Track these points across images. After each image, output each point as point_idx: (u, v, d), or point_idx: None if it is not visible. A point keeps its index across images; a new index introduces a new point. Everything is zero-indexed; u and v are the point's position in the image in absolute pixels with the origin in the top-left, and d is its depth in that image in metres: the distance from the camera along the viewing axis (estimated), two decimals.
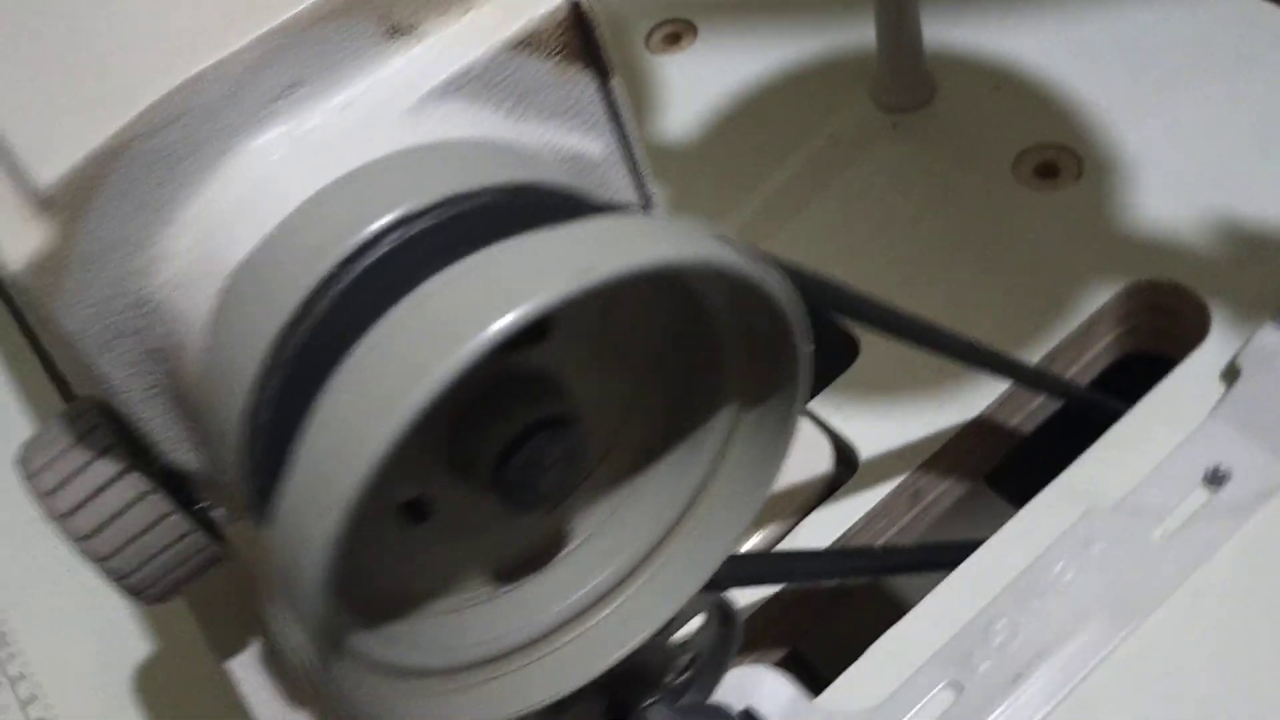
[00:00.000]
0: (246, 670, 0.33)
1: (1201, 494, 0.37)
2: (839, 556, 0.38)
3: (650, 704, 0.31)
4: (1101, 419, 0.41)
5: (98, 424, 0.25)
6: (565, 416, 0.21)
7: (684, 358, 0.23)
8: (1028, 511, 0.38)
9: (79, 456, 0.25)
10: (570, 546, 0.24)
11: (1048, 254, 0.45)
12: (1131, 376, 0.44)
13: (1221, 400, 0.38)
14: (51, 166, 0.19)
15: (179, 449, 0.24)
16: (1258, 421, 0.38)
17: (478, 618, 0.24)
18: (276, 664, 0.33)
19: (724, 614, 0.33)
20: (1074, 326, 0.43)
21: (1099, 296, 0.43)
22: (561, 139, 0.23)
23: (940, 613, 0.37)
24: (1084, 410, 0.42)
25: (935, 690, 0.35)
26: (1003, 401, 0.42)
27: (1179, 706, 0.34)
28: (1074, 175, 0.46)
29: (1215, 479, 0.37)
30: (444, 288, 0.17)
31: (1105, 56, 0.48)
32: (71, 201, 0.20)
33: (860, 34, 0.51)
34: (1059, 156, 0.46)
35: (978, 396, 0.42)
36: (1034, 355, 0.43)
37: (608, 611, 0.24)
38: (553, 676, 0.24)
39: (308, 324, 0.19)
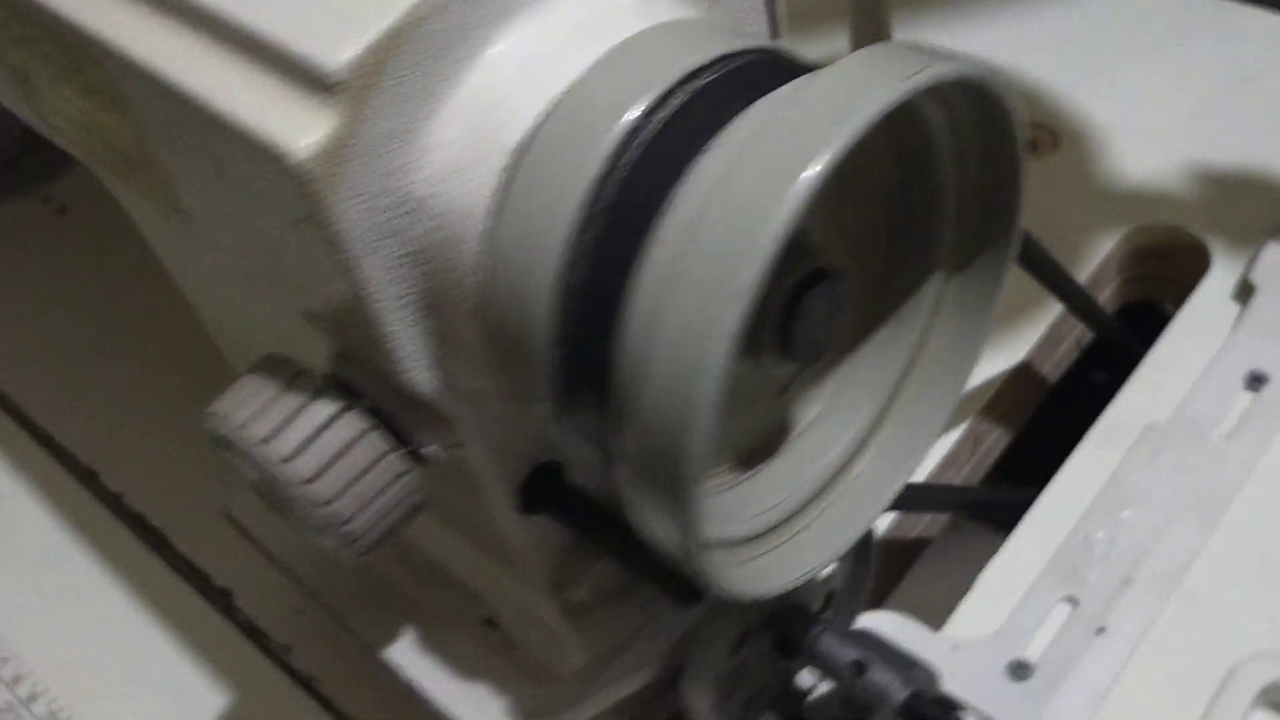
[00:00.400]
0: (407, 656, 0.32)
1: (1245, 397, 0.40)
2: (949, 490, 0.40)
3: (818, 634, 0.31)
4: (1127, 358, 0.44)
5: (300, 371, 0.25)
6: (830, 269, 0.22)
7: (902, 218, 0.24)
8: (1091, 438, 0.40)
9: (292, 401, 0.24)
10: (797, 431, 0.25)
11: (1045, 216, 0.48)
12: (1136, 326, 0.47)
13: (1242, 314, 0.42)
14: (340, 51, 0.20)
15: (416, 367, 0.23)
16: None
17: (724, 503, 0.24)
18: (435, 643, 0.32)
19: (860, 548, 0.34)
20: (1082, 278, 0.46)
21: (1102, 247, 0.46)
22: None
23: (1035, 538, 0.38)
24: (1108, 351, 0.45)
25: (1053, 605, 0.37)
26: (1039, 347, 0.45)
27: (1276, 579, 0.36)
28: (1051, 146, 0.49)
29: (1256, 382, 0.40)
30: (785, 109, 0.18)
31: (1062, 44, 0.53)
32: (358, 86, 0.20)
33: (832, 45, 0.54)
34: (1034, 134, 0.50)
35: (1019, 342, 0.44)
36: (1048, 313, 0.46)
37: (848, 480, 0.25)
38: (797, 558, 0.24)
39: (618, 175, 0.20)
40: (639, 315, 0.19)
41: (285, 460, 0.24)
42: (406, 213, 0.21)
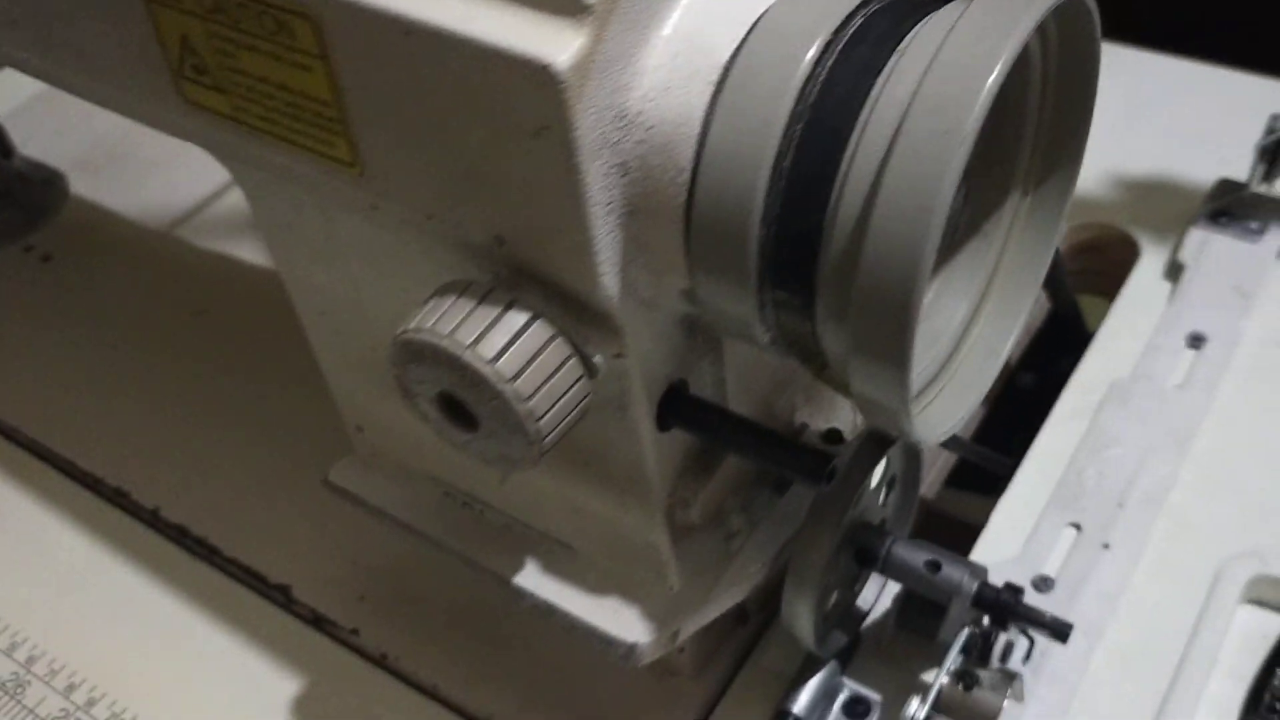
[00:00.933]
0: (538, 582, 0.34)
1: (1189, 354, 0.47)
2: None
3: (891, 543, 0.36)
4: (1076, 338, 0.50)
5: (489, 289, 0.28)
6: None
7: (995, 140, 0.29)
8: (1067, 395, 0.46)
9: (489, 311, 0.28)
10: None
11: None
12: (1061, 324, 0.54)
13: (1175, 289, 0.49)
14: None
15: (608, 272, 0.27)
16: (1209, 294, 0.48)
17: None
18: (558, 570, 0.34)
19: (911, 472, 0.38)
20: None
21: None
22: None
23: (1035, 477, 0.44)
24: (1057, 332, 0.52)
25: (1061, 530, 0.42)
26: None
27: (1251, 490, 0.42)
28: None
29: (1196, 341, 0.47)
30: (967, 14, 0.23)
31: None
32: (602, 11, 0.24)
33: None
34: None
35: None
36: None
37: (969, 344, 0.29)
38: (953, 406, 0.29)
39: (818, 78, 0.24)
40: (856, 182, 0.23)
41: (490, 360, 0.27)
42: (621, 126, 0.25)
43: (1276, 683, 0.38)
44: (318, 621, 0.43)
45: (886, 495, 0.38)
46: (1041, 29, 0.27)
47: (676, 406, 0.31)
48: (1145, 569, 0.41)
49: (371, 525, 0.45)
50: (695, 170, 0.25)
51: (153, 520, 0.47)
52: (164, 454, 0.49)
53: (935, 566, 0.35)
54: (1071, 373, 0.47)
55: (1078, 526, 0.42)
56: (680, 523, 0.34)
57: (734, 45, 0.25)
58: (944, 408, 0.28)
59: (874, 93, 0.24)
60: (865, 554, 0.36)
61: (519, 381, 0.27)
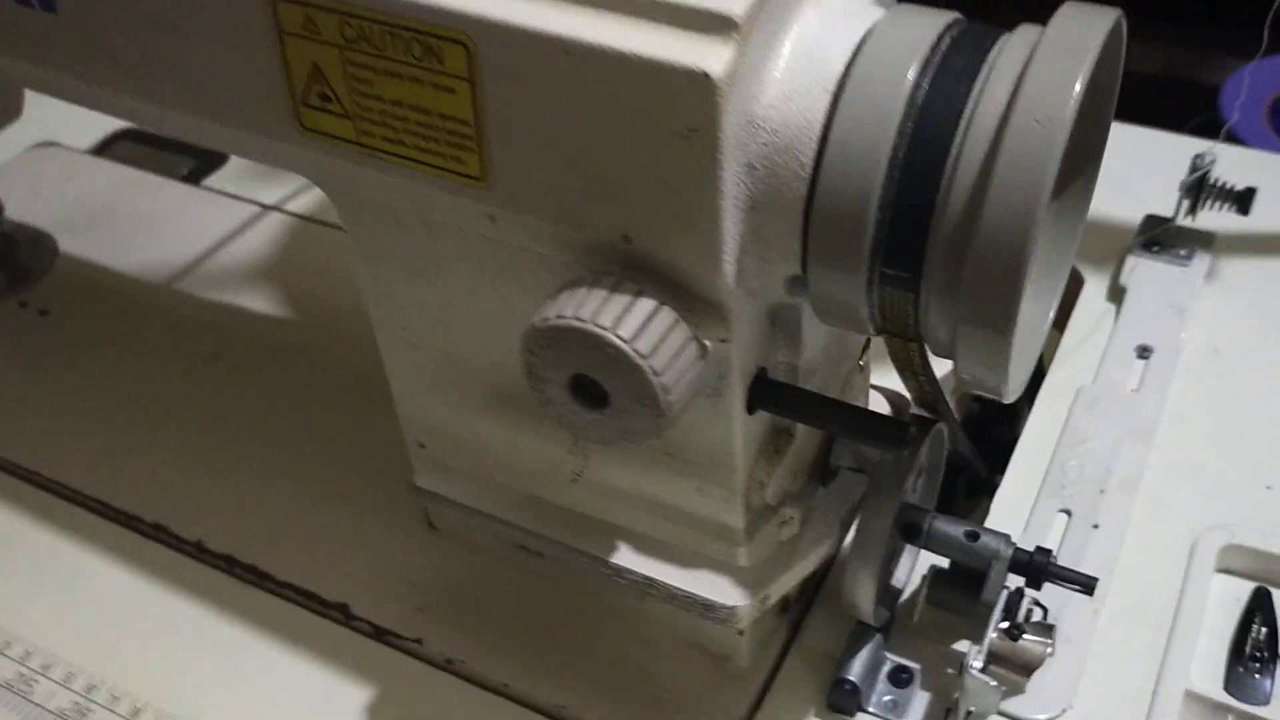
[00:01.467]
0: (633, 560, 0.37)
1: (1139, 363, 0.53)
2: None
3: (932, 519, 0.40)
4: None
5: (619, 280, 0.32)
6: None
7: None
8: (1041, 400, 0.52)
9: (622, 299, 0.31)
10: None
11: None
12: None
13: (1120, 309, 0.55)
14: (738, 3, 0.28)
15: (728, 259, 0.31)
16: (1150, 312, 0.55)
17: None
18: (646, 548, 0.37)
19: (936, 459, 0.43)
20: None
21: None
22: None
23: (1023, 472, 0.49)
24: None
25: (1054, 516, 0.47)
26: None
27: (1210, 472, 0.48)
28: None
29: (1144, 352, 0.53)
30: (1048, 38, 0.28)
31: None
32: (746, 28, 0.28)
33: None
34: None
35: None
36: None
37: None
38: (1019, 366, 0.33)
39: (923, 87, 0.29)
40: (966, 169, 0.28)
41: (630, 340, 0.31)
42: (751, 130, 0.30)
43: (1254, 635, 0.43)
44: (380, 634, 0.45)
45: (915, 482, 0.42)
46: None
47: (763, 390, 0.35)
48: (1130, 545, 0.46)
49: (418, 541, 0.47)
50: (817, 167, 0.30)
51: (197, 552, 0.48)
52: (198, 488, 0.50)
53: (974, 536, 0.40)
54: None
55: (1068, 512, 0.47)
56: (755, 504, 0.38)
57: (846, 60, 0.30)
58: (1015, 370, 0.33)
59: (973, 94, 0.29)
60: (910, 529, 0.40)
61: (653, 358, 0.31)
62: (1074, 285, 0.58)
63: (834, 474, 0.41)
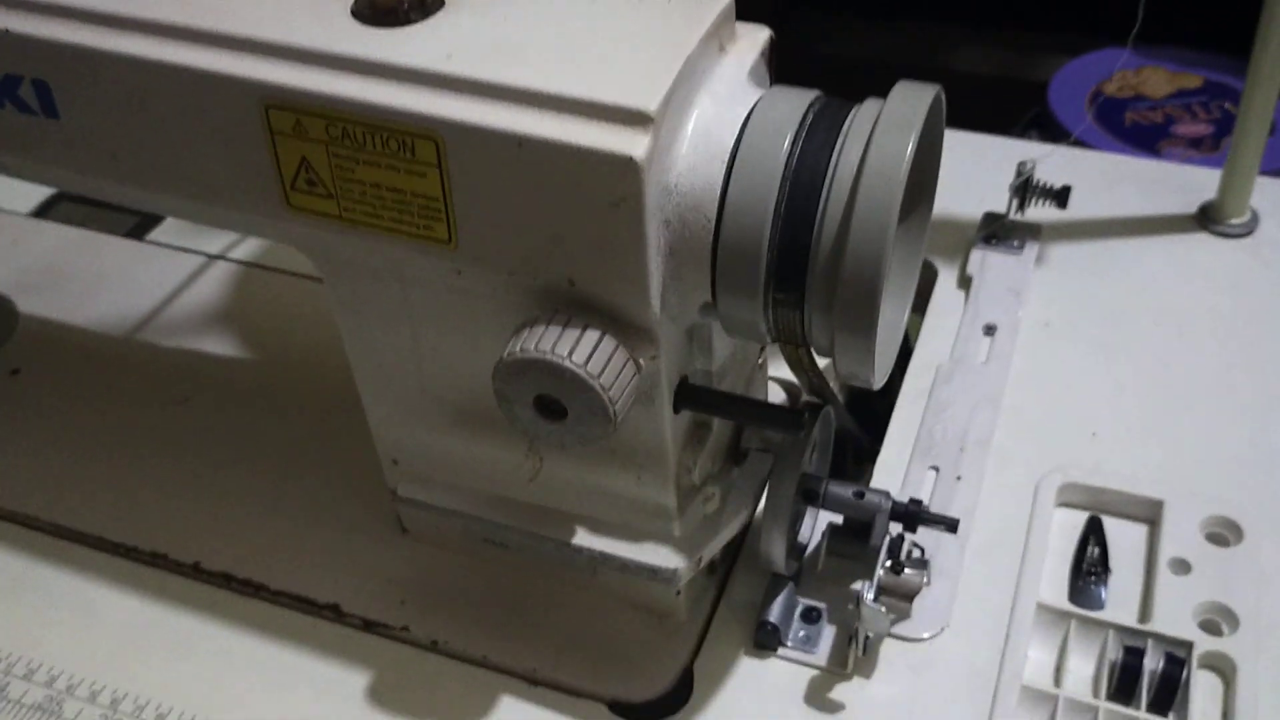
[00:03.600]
0: (587, 539, 0.45)
1: (986, 340, 0.63)
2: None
3: (826, 484, 0.49)
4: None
5: (569, 315, 0.40)
6: None
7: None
8: (909, 376, 0.61)
9: (572, 332, 0.39)
10: None
11: None
12: None
13: (968, 294, 0.65)
14: (651, 99, 0.36)
15: (654, 296, 0.39)
16: (993, 296, 0.65)
17: None
18: (599, 529, 0.45)
19: (826, 428, 0.52)
20: None
21: None
22: None
23: (898, 436, 0.58)
24: None
25: (925, 472, 0.56)
26: None
27: (1048, 427, 0.58)
28: None
29: (990, 330, 0.63)
30: (886, 111, 0.37)
31: None
32: (658, 117, 0.36)
33: None
34: None
35: None
36: None
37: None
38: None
39: (797, 152, 0.38)
40: (832, 217, 0.37)
41: (582, 365, 0.39)
42: (666, 194, 0.38)
43: (1089, 555, 0.54)
44: (370, 627, 0.52)
45: (811, 456, 0.51)
46: None
47: (686, 394, 0.44)
48: (987, 490, 0.56)
49: (393, 544, 0.55)
50: (719, 220, 0.38)
51: (195, 573, 0.54)
52: (189, 516, 0.57)
53: (860, 495, 0.49)
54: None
55: (936, 469, 0.57)
56: (684, 486, 0.47)
57: (735, 135, 0.38)
58: (880, 364, 0.42)
59: (833, 156, 0.37)
60: (810, 494, 0.49)
61: (602, 377, 0.39)
62: (929, 276, 0.68)
63: (745, 455, 0.50)
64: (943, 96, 0.40)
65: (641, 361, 0.41)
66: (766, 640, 0.50)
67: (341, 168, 0.41)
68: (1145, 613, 0.51)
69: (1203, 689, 0.48)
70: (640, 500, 0.47)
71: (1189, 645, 0.49)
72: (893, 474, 0.57)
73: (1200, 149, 1.01)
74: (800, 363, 0.43)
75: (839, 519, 0.52)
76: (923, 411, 0.60)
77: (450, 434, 0.49)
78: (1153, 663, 0.48)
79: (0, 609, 0.54)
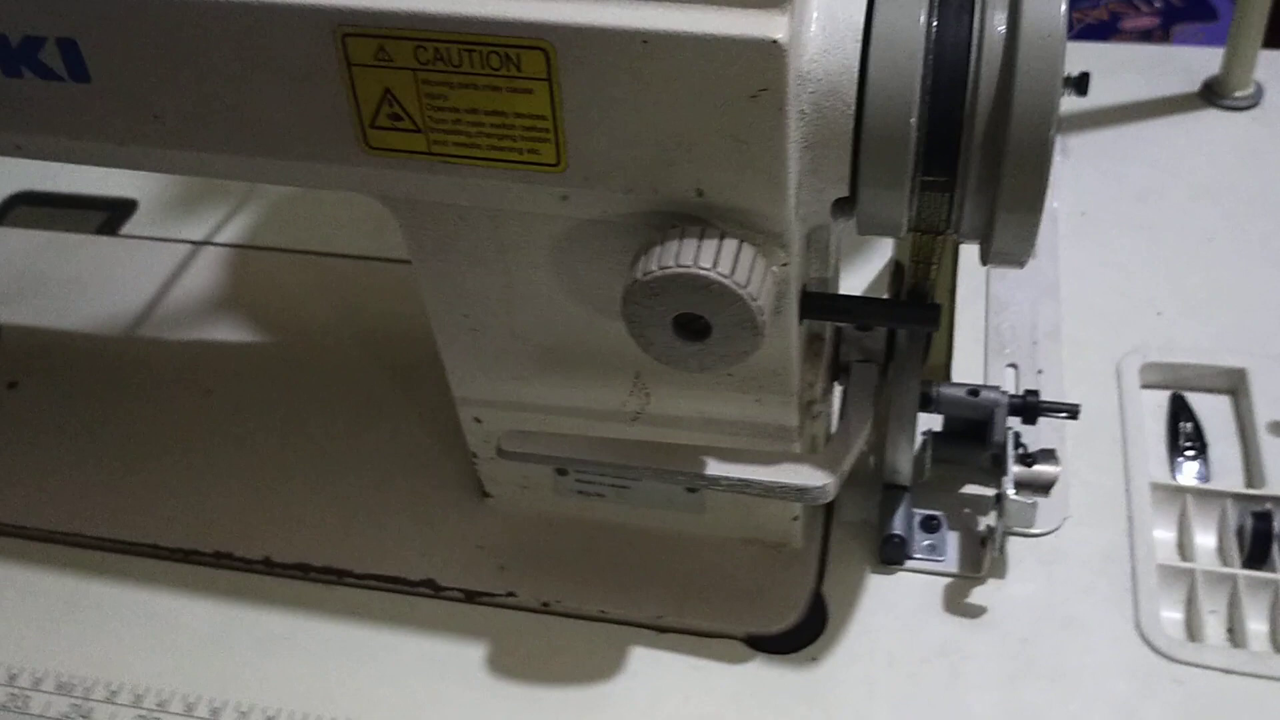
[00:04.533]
0: (719, 468, 0.42)
1: None
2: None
3: (938, 387, 0.47)
4: None
5: (704, 225, 0.37)
6: None
7: None
8: (960, 280, 0.60)
9: (711, 243, 0.37)
10: None
11: None
12: None
13: None
14: None
15: (790, 194, 0.37)
16: None
17: None
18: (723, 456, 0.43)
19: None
20: None
21: None
22: None
23: (966, 339, 0.57)
24: None
25: (1005, 370, 0.55)
26: None
27: (1112, 312, 0.58)
28: None
29: None
30: None
31: None
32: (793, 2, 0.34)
33: None
34: None
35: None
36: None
37: None
38: None
39: (934, 25, 0.35)
40: (986, 85, 0.35)
41: (726, 275, 0.36)
42: (801, 82, 0.36)
43: (1181, 433, 0.53)
44: (472, 598, 0.49)
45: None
46: None
47: (811, 302, 0.42)
48: (1069, 381, 0.55)
49: (477, 510, 0.52)
50: (860, 104, 0.36)
51: (268, 569, 0.50)
52: (247, 509, 0.53)
53: (975, 393, 0.47)
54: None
55: (1015, 365, 0.56)
56: (804, 401, 0.44)
57: (863, 13, 0.36)
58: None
59: (975, 23, 0.35)
60: (925, 398, 0.47)
61: (749, 287, 0.37)
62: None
63: (847, 369, 0.48)
64: None
65: (774, 269, 0.39)
66: (893, 554, 0.48)
67: (432, 95, 0.37)
68: (1255, 479, 0.50)
69: None
70: (758, 423, 0.45)
71: None
72: (972, 377, 0.56)
73: (1152, 40, 1.02)
74: (931, 254, 0.41)
75: (937, 427, 0.50)
76: (984, 311, 0.59)
77: (543, 381, 0.46)
78: None
79: (65, 633, 0.49)
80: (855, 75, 0.36)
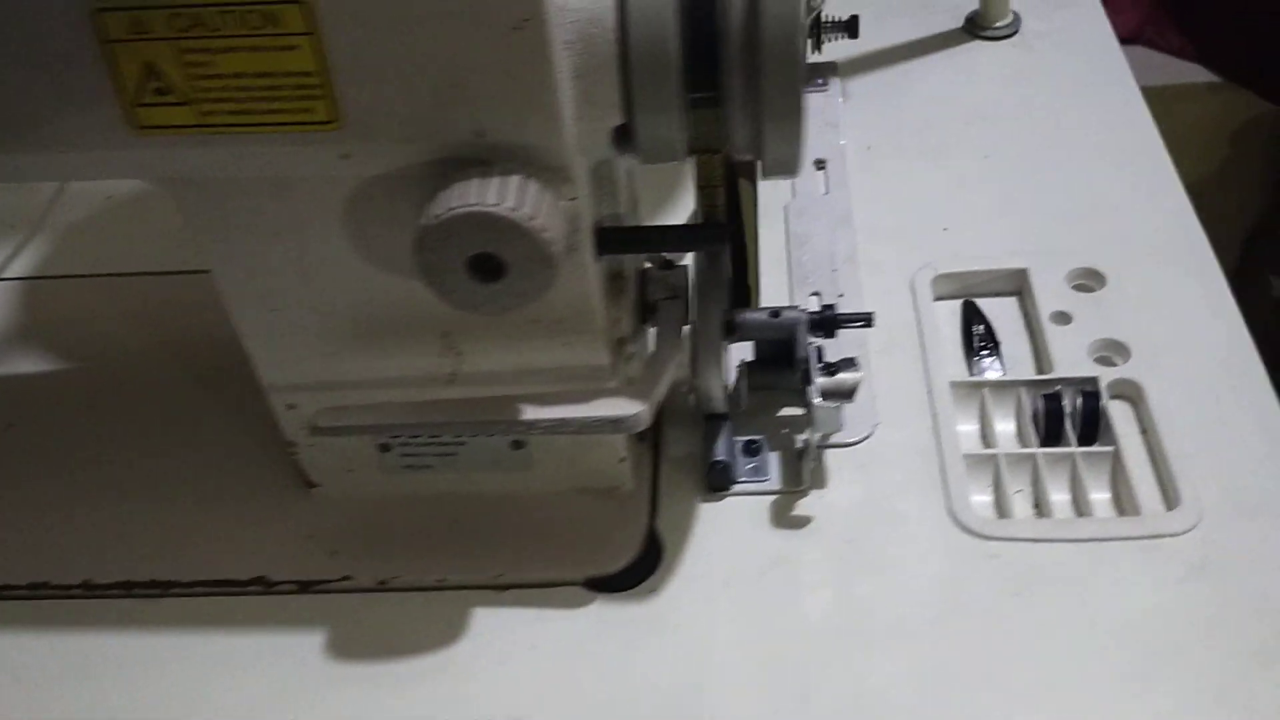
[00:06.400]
0: (540, 412, 0.43)
1: (819, 174, 0.65)
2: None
3: (740, 314, 0.49)
4: None
5: (487, 165, 0.38)
6: None
7: None
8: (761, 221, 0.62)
9: (498, 181, 0.37)
10: None
11: None
12: None
13: None
14: None
15: (568, 125, 0.37)
16: (816, 131, 0.66)
17: None
18: (545, 401, 0.43)
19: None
20: None
21: None
22: None
23: (768, 273, 0.59)
24: None
25: (809, 298, 0.57)
26: None
27: (904, 232, 0.60)
28: None
29: (820, 165, 0.65)
30: None
31: None
32: None
33: None
34: None
35: None
36: None
37: None
38: None
39: None
40: (736, 5, 0.36)
41: (514, 209, 0.37)
42: (561, 12, 0.36)
43: (975, 335, 0.56)
44: (306, 588, 0.48)
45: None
46: None
47: (606, 236, 0.43)
48: (869, 301, 0.58)
49: (302, 501, 0.51)
50: (623, 30, 0.37)
51: (86, 592, 0.48)
52: (58, 538, 0.50)
53: (776, 314, 0.49)
54: None
55: (817, 293, 0.58)
56: (613, 339, 0.45)
57: None
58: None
59: None
60: (728, 326, 0.49)
61: (537, 220, 0.37)
62: None
63: (655, 308, 0.49)
64: None
65: (562, 204, 0.39)
66: (719, 480, 0.49)
67: (195, 65, 0.37)
68: (1044, 366, 0.54)
69: (1117, 416, 0.51)
70: (571, 367, 0.45)
71: (1094, 380, 0.52)
72: (773, 298, 0.57)
73: None
74: (713, 177, 0.42)
75: (750, 356, 0.52)
76: (785, 247, 0.61)
77: (352, 355, 0.45)
78: (1069, 404, 0.51)
79: None
80: (612, 2, 0.37)
